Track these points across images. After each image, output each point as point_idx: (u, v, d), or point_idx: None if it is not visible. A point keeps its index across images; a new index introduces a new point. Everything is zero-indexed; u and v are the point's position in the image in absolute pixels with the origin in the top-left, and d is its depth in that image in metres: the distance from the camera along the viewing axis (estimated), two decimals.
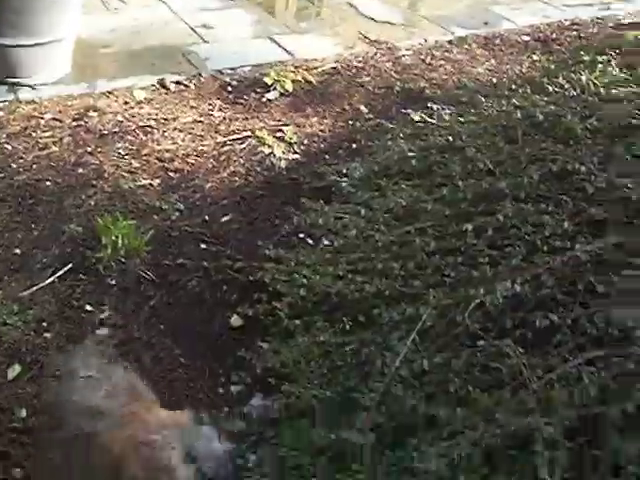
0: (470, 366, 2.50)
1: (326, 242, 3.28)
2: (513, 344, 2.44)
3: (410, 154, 3.53)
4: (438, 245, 2.90)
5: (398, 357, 2.52)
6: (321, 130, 4.34)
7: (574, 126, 3.30)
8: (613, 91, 3.64)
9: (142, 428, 2.08)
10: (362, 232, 3.10)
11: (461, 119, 3.86)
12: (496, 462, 2.21)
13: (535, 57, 5.28)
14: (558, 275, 2.64)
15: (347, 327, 2.80)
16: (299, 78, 4.74)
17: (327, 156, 4.00)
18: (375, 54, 5.22)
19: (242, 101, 4.57)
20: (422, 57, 5.23)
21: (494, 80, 4.85)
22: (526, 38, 5.62)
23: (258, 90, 4.66)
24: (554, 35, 5.66)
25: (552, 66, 4.73)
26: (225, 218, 3.66)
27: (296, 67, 4.91)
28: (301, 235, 3.38)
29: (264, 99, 4.60)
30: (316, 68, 4.95)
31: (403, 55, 5.24)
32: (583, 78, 3.85)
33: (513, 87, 4.21)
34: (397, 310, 2.70)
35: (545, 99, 3.73)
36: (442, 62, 5.18)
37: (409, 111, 4.39)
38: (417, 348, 2.62)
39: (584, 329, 2.45)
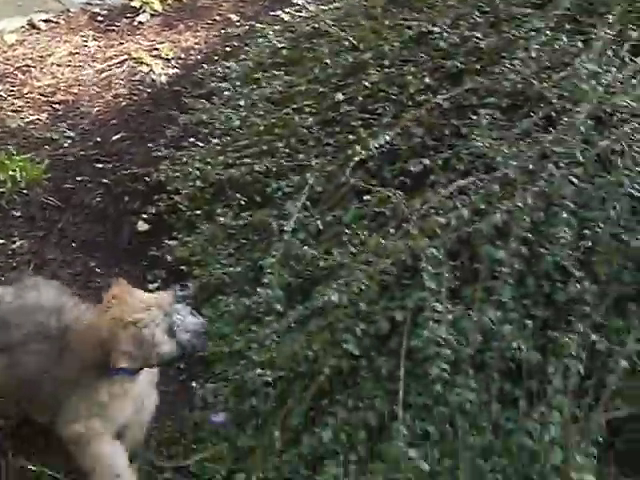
0: (359, 217, 2.74)
1: (215, 140, 3.44)
2: (394, 190, 2.70)
3: (281, 46, 3.70)
4: (315, 120, 3.12)
5: (292, 222, 2.75)
6: (196, 43, 4.47)
7: None
8: None
9: (127, 309, 2.22)
10: (245, 121, 3.29)
11: (325, 8, 4.02)
12: (391, 291, 2.47)
13: None
14: (426, 125, 2.90)
15: (244, 208, 3.01)
16: None
17: (205, 65, 4.12)
18: None
19: (114, 28, 4.65)
20: None
21: None
22: None
23: (128, 15, 4.74)
24: None
25: None
26: (116, 137, 3.79)
27: None
28: (191, 139, 3.52)
29: (135, 23, 4.68)
30: None
31: None
32: None
33: None
34: (287, 182, 2.92)
35: None
36: None
37: (278, 12, 4.52)
38: (310, 213, 2.86)
39: (454, 167, 2.72)
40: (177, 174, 3.21)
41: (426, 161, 2.76)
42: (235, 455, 2.47)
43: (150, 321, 2.22)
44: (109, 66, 4.29)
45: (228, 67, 3.85)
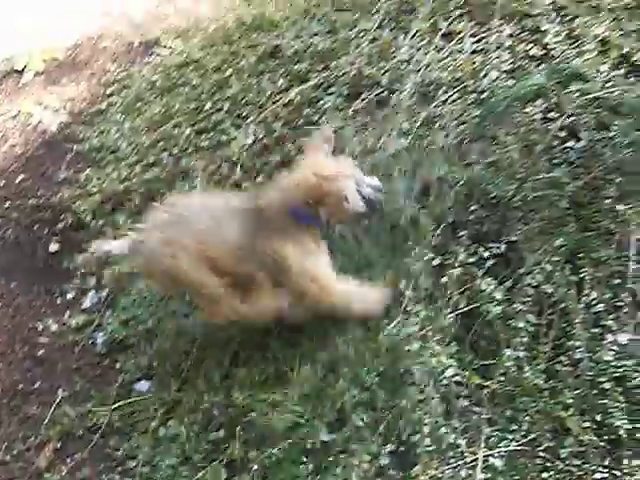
0: None
1: (108, 161, 3.88)
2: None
3: (154, 78, 4.22)
4: (192, 129, 3.64)
5: None
6: (79, 93, 4.90)
7: (276, 17, 4.10)
8: None
9: (323, 165, 2.53)
10: (131, 143, 3.77)
11: (189, 43, 4.56)
12: None
13: None
14: (283, 119, 3.45)
15: (142, 213, 3.46)
16: (48, 57, 5.25)
17: (90, 109, 4.58)
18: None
19: (1, 90, 5.05)
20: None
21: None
22: None
23: (14, 76, 5.15)
24: None
25: None
26: (19, 178, 4.20)
27: (43, 50, 5.41)
28: (87, 164, 3.98)
29: (21, 84, 5.09)
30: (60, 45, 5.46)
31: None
32: None
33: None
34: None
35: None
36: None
37: (151, 58, 5.02)
38: None
39: None
40: (78, 193, 3.65)
41: (286, 148, 3.31)
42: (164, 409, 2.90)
43: (345, 176, 2.55)
44: (2, 121, 4.70)
45: (111, 104, 4.33)
